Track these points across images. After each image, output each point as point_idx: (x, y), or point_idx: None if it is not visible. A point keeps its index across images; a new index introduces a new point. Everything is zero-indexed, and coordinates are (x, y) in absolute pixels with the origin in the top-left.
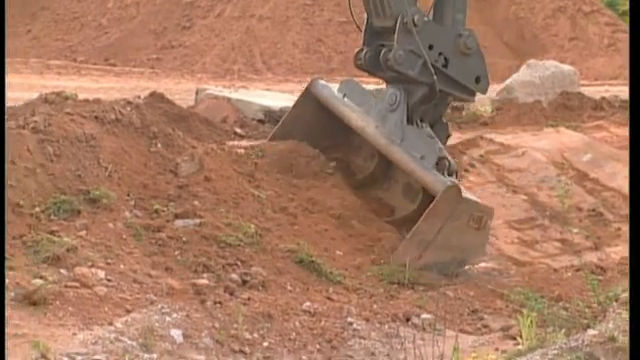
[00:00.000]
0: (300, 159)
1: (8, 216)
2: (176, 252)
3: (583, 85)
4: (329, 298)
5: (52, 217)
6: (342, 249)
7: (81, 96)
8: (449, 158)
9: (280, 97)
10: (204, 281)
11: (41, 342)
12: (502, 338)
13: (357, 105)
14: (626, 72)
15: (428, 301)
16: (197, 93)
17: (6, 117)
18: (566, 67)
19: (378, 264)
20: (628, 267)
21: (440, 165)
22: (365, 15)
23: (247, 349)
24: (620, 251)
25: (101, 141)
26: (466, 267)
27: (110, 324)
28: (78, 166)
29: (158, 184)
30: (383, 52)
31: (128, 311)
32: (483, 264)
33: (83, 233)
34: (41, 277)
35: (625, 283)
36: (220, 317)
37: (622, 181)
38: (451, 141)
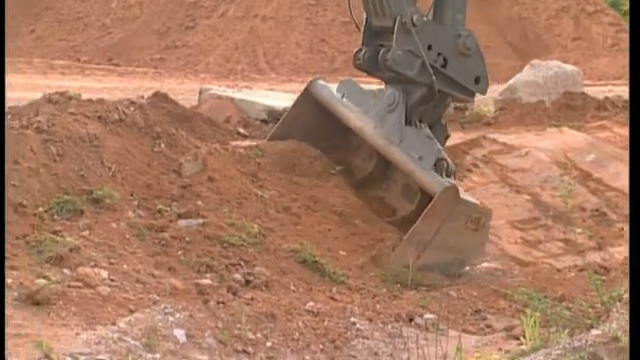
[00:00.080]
0: (303, 159)
1: (11, 216)
2: (179, 252)
3: (586, 85)
4: (332, 298)
5: (55, 217)
6: (345, 249)
7: (85, 96)
8: (447, 159)
9: (283, 97)
10: (207, 281)
11: (44, 342)
12: (505, 338)
13: (356, 105)
14: None
15: (431, 301)
16: (200, 93)
17: (10, 117)
18: (569, 67)
19: (379, 264)
20: (628, 267)
21: (438, 166)
22: (364, 15)
23: (250, 349)
24: (623, 251)
25: (104, 141)
26: (468, 267)
27: (113, 324)
28: (81, 166)
29: (161, 184)
30: (382, 52)
31: (131, 311)
32: (486, 264)
33: (86, 233)
34: (44, 277)
35: None
36: (223, 317)
37: (625, 181)
38: (454, 141)
